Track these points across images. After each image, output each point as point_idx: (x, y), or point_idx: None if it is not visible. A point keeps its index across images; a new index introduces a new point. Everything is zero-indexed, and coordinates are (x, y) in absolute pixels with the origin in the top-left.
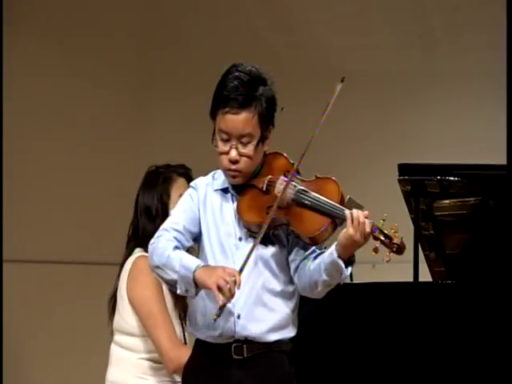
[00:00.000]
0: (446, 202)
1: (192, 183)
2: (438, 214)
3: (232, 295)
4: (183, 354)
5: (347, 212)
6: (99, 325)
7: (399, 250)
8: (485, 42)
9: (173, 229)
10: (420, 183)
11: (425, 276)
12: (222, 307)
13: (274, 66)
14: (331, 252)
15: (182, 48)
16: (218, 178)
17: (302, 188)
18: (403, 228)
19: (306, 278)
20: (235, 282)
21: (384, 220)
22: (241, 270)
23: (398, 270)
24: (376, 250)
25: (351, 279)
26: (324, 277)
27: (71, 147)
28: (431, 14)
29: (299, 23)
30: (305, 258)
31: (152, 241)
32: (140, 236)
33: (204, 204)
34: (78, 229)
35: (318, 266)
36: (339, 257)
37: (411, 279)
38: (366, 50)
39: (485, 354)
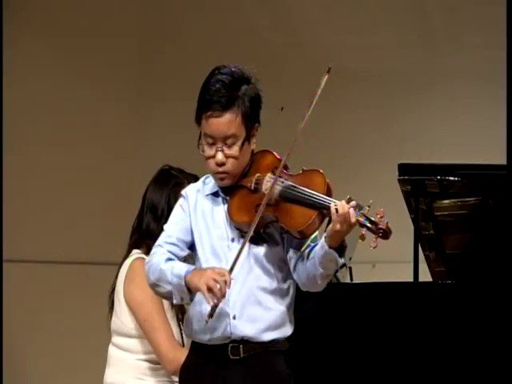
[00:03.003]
0: (446, 202)
1: (183, 191)
2: (438, 213)
3: (223, 295)
4: (182, 356)
5: (332, 206)
6: (99, 325)
7: (385, 234)
8: (485, 42)
9: (166, 243)
10: (420, 183)
11: (425, 276)
12: (214, 308)
13: (274, 66)
14: (322, 245)
15: (181, 48)
16: (209, 183)
17: (288, 183)
18: (403, 228)
19: (305, 275)
20: (225, 282)
21: (369, 206)
22: (231, 269)
23: (398, 269)
24: (363, 237)
25: (351, 279)
26: (320, 270)
27: (71, 147)
28: (431, 14)
29: (299, 23)
30: (301, 256)
31: (147, 259)
32: (143, 231)
33: (195, 210)
34: (78, 229)
35: (313, 260)
36: (330, 247)
37: (411, 279)
38: (366, 50)
39: (485, 353)
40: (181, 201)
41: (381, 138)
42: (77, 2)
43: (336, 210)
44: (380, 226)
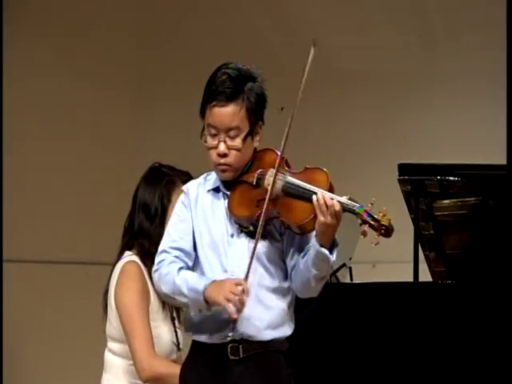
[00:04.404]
0: (446, 202)
1: (184, 187)
2: (438, 213)
3: (243, 304)
4: (156, 364)
5: (313, 198)
6: (99, 325)
7: (387, 232)
8: (485, 42)
9: (172, 248)
10: (420, 183)
11: (425, 276)
12: (236, 320)
13: (274, 66)
14: (313, 245)
15: (181, 48)
16: (210, 179)
17: (291, 178)
18: (403, 228)
19: (299, 279)
20: (244, 291)
21: (372, 204)
22: (246, 277)
23: (397, 269)
24: (364, 234)
25: (351, 279)
26: (313, 271)
27: (71, 147)
28: (431, 14)
29: (299, 23)
30: (296, 263)
31: (155, 267)
32: (135, 230)
33: (195, 205)
34: (77, 229)
35: (306, 262)
36: (322, 246)
37: (411, 279)
38: (366, 50)
39: (485, 353)
40: (182, 197)
41: (381, 137)
42: (77, 2)
43: (318, 204)
44: (382, 223)
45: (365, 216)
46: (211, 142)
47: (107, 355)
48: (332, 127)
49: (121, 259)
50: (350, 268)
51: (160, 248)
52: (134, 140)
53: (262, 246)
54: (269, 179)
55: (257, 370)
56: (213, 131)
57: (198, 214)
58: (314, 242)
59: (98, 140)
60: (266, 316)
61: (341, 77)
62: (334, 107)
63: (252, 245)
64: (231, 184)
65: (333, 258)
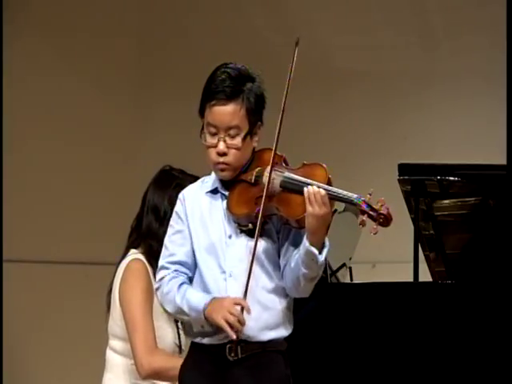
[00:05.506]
0: (446, 202)
1: (180, 194)
2: (438, 213)
3: (243, 324)
4: (155, 360)
5: (304, 191)
6: (99, 325)
7: (386, 221)
8: (485, 42)
9: (170, 263)
10: (420, 183)
11: (425, 276)
12: (237, 340)
13: (274, 66)
14: (304, 243)
15: (182, 48)
16: (208, 181)
17: (289, 173)
18: (403, 228)
19: (290, 278)
20: (243, 309)
21: (370, 194)
22: (245, 295)
23: (398, 269)
24: (363, 223)
25: (351, 279)
26: (303, 270)
27: (71, 147)
28: (431, 13)
29: (299, 23)
30: (288, 261)
31: (156, 285)
32: (143, 231)
33: (192, 210)
34: (77, 229)
35: (297, 261)
36: (312, 244)
37: (411, 279)
38: (366, 50)
39: (485, 353)
40: (177, 206)
41: (381, 137)
42: (77, 2)
43: (308, 196)
44: (381, 212)
45: (363, 206)
46: (211, 140)
47: (109, 354)
48: (332, 127)
49: (126, 257)
50: (350, 268)
51: (159, 263)
52: (134, 140)
53: (261, 245)
54: (267, 176)
55: (256, 370)
56: (212, 130)
57: (195, 218)
58: (304, 239)
59: (98, 140)
60: (264, 316)
61: (341, 77)
62: (334, 107)
63: (250, 244)
64: (229, 184)
65: (321, 258)
